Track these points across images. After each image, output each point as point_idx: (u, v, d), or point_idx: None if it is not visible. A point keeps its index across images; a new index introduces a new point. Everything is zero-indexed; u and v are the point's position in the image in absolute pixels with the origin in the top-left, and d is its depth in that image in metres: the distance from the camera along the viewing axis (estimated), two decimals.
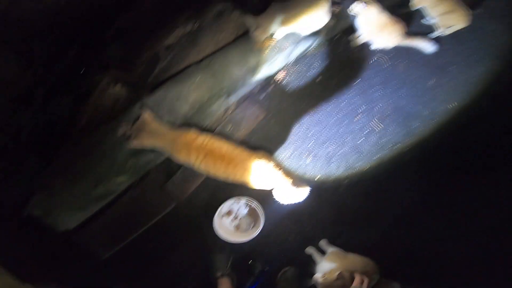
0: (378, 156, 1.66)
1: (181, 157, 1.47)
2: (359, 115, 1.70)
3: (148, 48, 1.85)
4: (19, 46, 1.60)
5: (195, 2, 1.87)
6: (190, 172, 1.60)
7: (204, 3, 1.85)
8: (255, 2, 1.79)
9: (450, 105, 1.83)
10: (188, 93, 1.51)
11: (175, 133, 1.46)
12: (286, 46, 1.65)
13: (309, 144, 1.68)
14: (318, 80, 1.75)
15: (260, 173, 1.42)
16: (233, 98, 1.60)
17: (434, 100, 1.81)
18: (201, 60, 1.61)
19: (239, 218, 1.77)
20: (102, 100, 1.71)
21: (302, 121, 1.67)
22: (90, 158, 1.49)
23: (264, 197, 1.53)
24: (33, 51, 1.67)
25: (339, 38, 1.89)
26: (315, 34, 1.70)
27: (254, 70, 1.60)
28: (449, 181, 1.75)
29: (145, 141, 1.44)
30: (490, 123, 1.86)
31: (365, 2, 1.66)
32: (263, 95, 1.69)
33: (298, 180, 1.46)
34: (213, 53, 1.64)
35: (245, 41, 1.64)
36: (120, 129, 1.56)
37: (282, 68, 1.72)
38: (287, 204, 1.47)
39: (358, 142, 1.69)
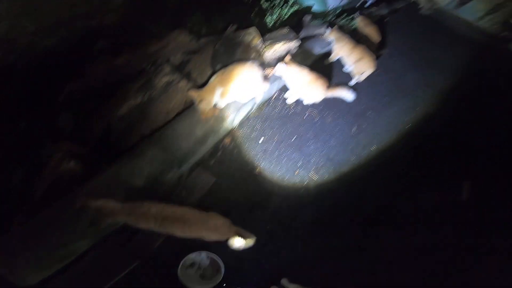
0: (317, 204, 1.92)
1: (141, 225, 1.61)
2: (298, 170, 1.97)
3: (100, 119, 1.97)
4: None
5: (144, 73, 2.07)
6: (151, 232, 1.71)
7: (153, 73, 2.06)
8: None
9: (372, 148, 2.20)
10: (142, 168, 1.64)
11: (131, 207, 1.59)
12: (229, 113, 1.90)
13: (257, 199, 1.90)
14: (261, 140, 2.01)
15: (213, 229, 1.61)
16: (185, 167, 1.78)
17: (358, 145, 2.17)
18: (152, 134, 1.77)
19: (202, 268, 1.92)
20: (57, 174, 1.77)
21: (250, 181, 1.89)
22: (49, 227, 1.53)
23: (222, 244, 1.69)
24: None
25: (276, 98, 2.22)
26: (253, 99, 1.98)
27: (202, 140, 1.79)
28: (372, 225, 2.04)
29: (103, 221, 1.55)
30: (406, 159, 2.25)
31: (285, 63, 1.97)
32: (213, 161, 1.89)
33: (246, 232, 1.67)
34: (164, 125, 1.82)
35: (191, 113, 1.85)
36: (77, 203, 1.64)
37: (227, 134, 1.96)
38: (243, 250, 1.65)
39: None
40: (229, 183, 1.84)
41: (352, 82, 2.46)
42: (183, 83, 2.00)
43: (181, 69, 2.09)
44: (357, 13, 3.12)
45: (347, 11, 3.36)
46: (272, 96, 2.21)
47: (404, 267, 1.74)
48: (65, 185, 1.75)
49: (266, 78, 1.96)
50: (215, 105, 1.85)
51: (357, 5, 4.05)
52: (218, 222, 1.55)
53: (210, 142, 1.86)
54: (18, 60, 1.96)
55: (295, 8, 2.53)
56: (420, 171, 2.20)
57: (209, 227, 1.55)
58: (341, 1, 3.19)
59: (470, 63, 4.64)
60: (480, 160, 2.44)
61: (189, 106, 1.88)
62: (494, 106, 3.27)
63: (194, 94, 1.83)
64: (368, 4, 4.15)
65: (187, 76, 2.01)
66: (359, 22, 2.99)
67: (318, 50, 2.40)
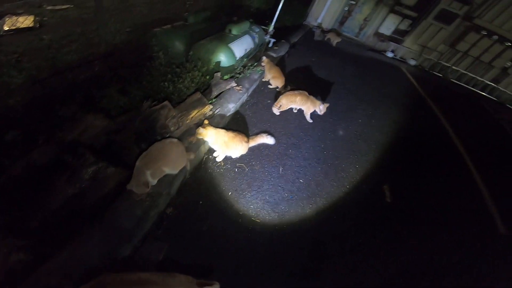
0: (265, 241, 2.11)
1: None
2: (240, 219, 2.11)
3: (35, 213, 1.82)
4: None
5: (67, 165, 1.98)
6: None
7: (78, 165, 1.98)
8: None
9: (300, 181, 2.54)
10: (93, 249, 1.61)
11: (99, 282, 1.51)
12: (163, 188, 1.97)
13: (211, 251, 1.99)
14: (200, 203, 2.13)
15: (179, 287, 1.64)
16: (135, 241, 1.79)
17: (287, 182, 2.48)
18: (94, 218, 1.74)
19: None
20: (8, 266, 1.63)
21: (200, 238, 1.96)
22: None
23: None
24: None
25: (205, 160, 2.39)
26: (184, 167, 2.10)
27: (143, 216, 1.82)
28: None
29: None
30: (332, 182, 2.69)
31: (201, 127, 2.17)
32: (160, 231, 1.93)
33: (209, 281, 1.73)
34: (103, 209, 1.79)
35: (127, 195, 1.86)
36: None
37: (168, 204, 2.02)
38: None
39: None
40: (181, 245, 1.90)
41: (276, 111, 2.92)
42: (110, 169, 1.99)
43: (106, 153, 2.08)
44: (263, 57, 3.64)
45: (252, 59, 3.87)
46: (202, 160, 2.37)
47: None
48: (20, 275, 1.62)
49: (190, 146, 2.11)
50: (148, 185, 1.90)
51: (262, 49, 4.66)
52: (182, 279, 1.60)
53: (153, 215, 1.90)
54: None
55: (205, 68, 2.78)
56: (346, 191, 2.64)
57: (174, 285, 1.59)
58: (245, 50, 3.64)
59: (359, 72, 5.96)
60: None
61: (124, 189, 1.89)
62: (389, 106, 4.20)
63: (129, 184, 1.86)
64: (271, 44, 4.82)
65: (114, 160, 2.02)
66: (265, 64, 3.52)
67: (232, 104, 2.67)
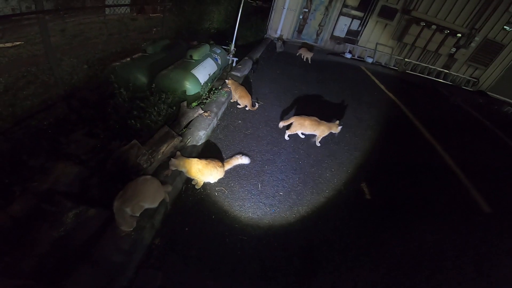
0: (255, 256, 2.20)
1: None
2: (227, 238, 2.21)
3: (23, 259, 1.80)
4: None
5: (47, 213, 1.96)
6: None
7: (57, 212, 1.97)
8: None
9: (280, 194, 2.66)
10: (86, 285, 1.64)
11: None
12: (145, 222, 2.00)
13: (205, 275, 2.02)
14: (186, 229, 2.18)
15: None
16: (129, 273, 1.81)
17: (267, 197, 2.59)
18: (84, 257, 1.76)
19: None
20: None
21: (190, 264, 2.01)
22: None
23: None
24: None
25: (185, 190, 2.44)
26: (163, 200, 2.14)
27: (131, 250, 1.85)
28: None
29: None
30: (311, 189, 2.84)
31: (174, 159, 2.25)
32: (152, 260, 1.98)
33: None
34: (91, 248, 1.80)
35: (112, 232, 1.89)
36: None
37: (155, 236, 2.06)
38: None
39: None
40: (175, 270, 1.95)
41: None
42: (91, 211, 2.01)
43: (84, 197, 2.10)
44: (227, 79, 3.78)
45: (218, 81, 4.01)
46: (181, 189, 2.42)
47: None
48: None
49: (166, 179, 2.16)
50: (132, 219, 1.93)
51: (227, 69, 4.82)
52: None
53: (141, 248, 1.94)
54: None
55: (170, 100, 2.86)
56: (326, 195, 2.82)
57: None
58: (209, 74, 3.77)
59: (322, 77, 6.36)
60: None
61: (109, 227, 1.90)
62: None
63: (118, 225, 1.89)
64: (234, 63, 5.01)
65: (93, 202, 2.04)
66: (230, 85, 3.65)
67: (203, 131, 2.76)
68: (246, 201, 2.51)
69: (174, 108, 2.85)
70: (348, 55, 9.48)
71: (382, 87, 7.13)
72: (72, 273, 1.73)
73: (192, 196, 2.43)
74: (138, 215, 2.00)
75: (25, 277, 1.76)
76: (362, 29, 9.66)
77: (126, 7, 4.63)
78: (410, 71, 9.82)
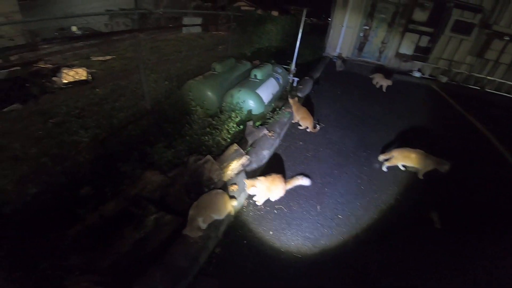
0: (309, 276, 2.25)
1: None
2: (283, 254, 2.31)
3: (106, 256, 2.16)
4: None
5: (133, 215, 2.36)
6: None
7: (142, 215, 2.36)
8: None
9: (339, 217, 2.68)
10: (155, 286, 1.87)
11: None
12: (212, 232, 2.25)
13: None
14: (245, 242, 2.36)
15: None
16: (190, 278, 2.03)
17: (326, 219, 2.63)
18: (155, 260, 2.02)
19: None
20: None
21: (245, 276, 2.15)
22: None
23: None
24: None
25: (247, 206, 2.66)
26: (228, 213, 2.37)
27: (196, 256, 2.09)
28: None
29: None
30: (371, 216, 2.77)
31: (247, 181, 2.45)
32: (211, 267, 2.17)
33: None
34: (163, 252, 2.08)
35: (183, 239, 2.17)
36: None
37: (217, 245, 2.29)
38: None
39: None
40: (230, 280, 2.11)
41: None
42: (168, 217, 2.34)
43: (162, 204, 2.47)
44: (288, 96, 3.98)
45: (279, 100, 4.22)
46: (244, 205, 2.65)
47: None
48: None
49: (232, 194, 2.40)
50: (199, 228, 2.20)
51: (287, 89, 5.04)
52: None
53: (204, 256, 2.18)
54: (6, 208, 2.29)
55: (238, 119, 3.17)
56: (390, 222, 2.74)
57: None
58: (272, 94, 4.03)
59: (388, 99, 6.05)
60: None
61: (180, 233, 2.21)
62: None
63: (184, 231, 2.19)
64: (295, 83, 5.22)
65: (169, 209, 2.39)
66: (293, 105, 3.83)
67: (267, 151, 2.97)
68: (303, 221, 2.60)
69: (241, 127, 3.15)
70: (417, 74, 8.87)
71: (459, 108, 6.46)
72: (143, 274, 1.96)
73: (253, 212, 2.62)
74: (206, 226, 2.25)
75: (101, 273, 2.01)
76: (433, 45, 8.99)
77: (199, 26, 5.25)
78: (493, 90, 8.69)
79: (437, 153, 3.43)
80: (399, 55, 9.41)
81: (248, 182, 2.50)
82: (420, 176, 3.35)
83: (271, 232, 2.47)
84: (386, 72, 7.71)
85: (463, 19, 8.40)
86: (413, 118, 5.35)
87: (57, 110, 4.37)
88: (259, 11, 27.53)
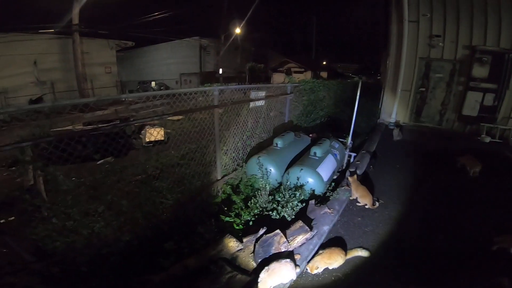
0: None
1: None
2: None
3: None
4: None
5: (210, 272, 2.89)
6: None
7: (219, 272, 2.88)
8: None
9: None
10: None
11: None
12: None
13: None
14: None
15: None
16: None
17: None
18: None
19: None
20: None
21: None
22: None
23: None
24: None
25: (306, 271, 3.01)
26: (291, 279, 2.79)
27: None
28: None
29: None
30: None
31: (307, 267, 2.86)
32: None
33: None
34: None
35: None
36: None
37: None
38: None
39: None
40: None
41: None
42: (239, 277, 2.85)
43: (234, 264, 3.02)
44: (347, 173, 4.39)
45: (337, 180, 4.61)
46: (303, 271, 3.04)
47: None
48: None
49: (296, 264, 2.85)
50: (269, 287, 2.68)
51: (344, 167, 5.44)
52: None
53: None
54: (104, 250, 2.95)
55: (302, 197, 3.70)
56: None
57: None
58: (332, 172, 4.51)
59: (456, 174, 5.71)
60: None
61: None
62: None
63: None
64: (352, 159, 5.63)
65: (239, 269, 2.92)
66: (352, 183, 4.22)
67: (327, 226, 3.39)
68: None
69: (303, 204, 3.66)
70: (487, 139, 8.30)
71: None
72: None
73: (312, 277, 2.99)
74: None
75: None
76: (499, 103, 8.51)
77: (263, 100, 6.11)
78: None
79: None
80: (462, 118, 9.10)
81: (310, 267, 2.98)
82: None
83: None
84: (478, 151, 6.56)
85: None
86: (488, 193, 4.90)
87: (141, 167, 5.35)
88: (308, 74, 29.78)
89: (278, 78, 29.90)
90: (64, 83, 17.28)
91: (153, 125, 7.47)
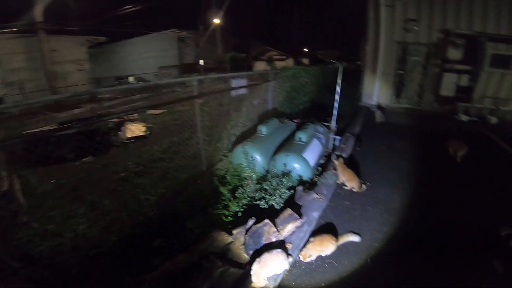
0: None
1: None
2: None
3: None
4: None
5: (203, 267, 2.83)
6: None
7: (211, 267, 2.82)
8: None
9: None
10: None
11: None
12: (271, 282, 2.63)
13: None
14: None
15: None
16: None
17: (377, 272, 2.85)
18: None
19: None
20: None
21: None
22: None
23: None
24: None
25: (299, 259, 3.00)
26: (284, 269, 2.76)
27: None
28: None
29: None
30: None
31: (300, 255, 2.84)
32: None
33: None
34: None
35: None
36: None
37: None
38: None
39: None
40: None
41: None
42: (232, 270, 2.79)
43: (226, 258, 2.94)
44: (333, 156, 4.38)
45: (323, 165, 4.61)
46: (296, 260, 3.01)
47: None
48: None
49: (289, 253, 2.81)
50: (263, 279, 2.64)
51: (330, 150, 5.45)
52: None
53: None
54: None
55: (289, 184, 3.65)
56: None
57: None
58: (318, 156, 4.50)
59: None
60: None
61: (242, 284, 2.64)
62: None
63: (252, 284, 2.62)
64: (337, 142, 5.65)
65: (231, 262, 2.86)
66: (338, 167, 4.21)
67: (316, 212, 3.37)
68: (354, 273, 2.88)
69: (291, 191, 3.62)
70: (464, 117, 8.71)
71: None
72: None
73: (305, 266, 2.97)
74: (267, 276, 2.67)
75: None
76: (474, 83, 8.93)
77: (245, 88, 6.05)
78: None
79: None
80: (440, 98, 9.42)
81: (303, 255, 2.95)
82: None
83: (322, 284, 2.79)
84: (465, 135, 6.45)
85: (499, 52, 8.43)
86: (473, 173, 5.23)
87: (122, 164, 5.13)
88: (290, 61, 29.73)
89: (260, 66, 29.90)
90: (34, 83, 16.35)
91: (133, 121, 7.28)
